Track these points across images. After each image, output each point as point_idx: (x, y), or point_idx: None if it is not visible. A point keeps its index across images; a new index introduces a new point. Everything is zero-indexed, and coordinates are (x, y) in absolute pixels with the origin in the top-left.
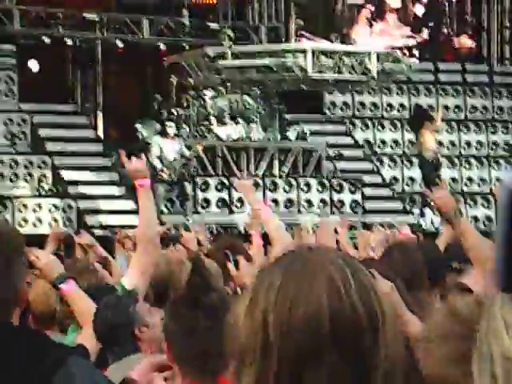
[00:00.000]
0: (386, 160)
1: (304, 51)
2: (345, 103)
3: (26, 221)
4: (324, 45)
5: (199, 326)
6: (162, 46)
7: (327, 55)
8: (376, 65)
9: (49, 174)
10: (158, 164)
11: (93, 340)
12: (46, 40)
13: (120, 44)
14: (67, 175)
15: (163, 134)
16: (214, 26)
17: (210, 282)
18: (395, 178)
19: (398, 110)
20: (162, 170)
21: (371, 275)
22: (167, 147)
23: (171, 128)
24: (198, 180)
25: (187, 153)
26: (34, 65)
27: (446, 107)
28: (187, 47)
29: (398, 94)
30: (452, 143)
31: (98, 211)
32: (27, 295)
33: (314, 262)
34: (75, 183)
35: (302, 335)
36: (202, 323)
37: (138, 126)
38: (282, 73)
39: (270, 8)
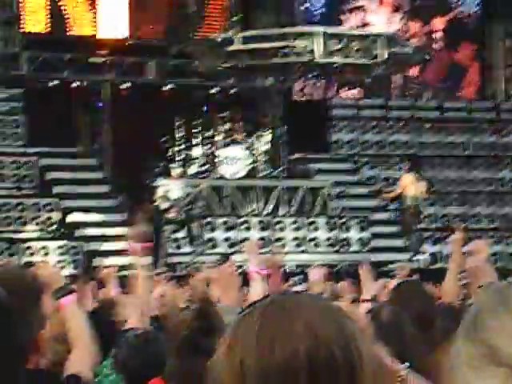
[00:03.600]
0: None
1: (312, 35)
2: (350, 141)
3: (31, 264)
4: (333, 28)
5: (198, 371)
6: (169, 87)
7: (336, 39)
8: (384, 49)
9: (56, 216)
10: (163, 204)
11: (84, 361)
12: (53, 83)
13: (126, 85)
14: (74, 217)
15: (169, 173)
16: (220, 66)
17: (213, 325)
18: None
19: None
20: (169, 210)
21: (349, 317)
22: (173, 187)
23: (177, 168)
24: (205, 220)
25: (192, 192)
26: (42, 108)
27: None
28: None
29: (403, 132)
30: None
31: (105, 252)
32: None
33: (291, 307)
34: (82, 225)
35: (279, 379)
36: (200, 368)
37: (145, 166)
38: (290, 57)
39: None
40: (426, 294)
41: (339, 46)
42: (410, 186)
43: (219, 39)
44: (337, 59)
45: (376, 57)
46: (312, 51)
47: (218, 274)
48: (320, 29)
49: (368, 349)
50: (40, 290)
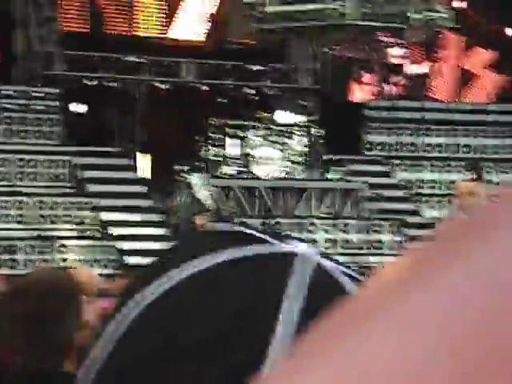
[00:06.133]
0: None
1: None
2: (384, 143)
3: (65, 261)
4: None
5: None
6: (204, 88)
7: (373, 2)
8: (415, 14)
9: (90, 215)
10: (195, 204)
11: None
12: (89, 83)
13: (162, 86)
14: (108, 216)
15: (202, 174)
16: (255, 67)
17: None
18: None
19: (439, 151)
20: (201, 212)
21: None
22: (205, 187)
23: (211, 168)
24: (237, 221)
25: (225, 192)
26: (79, 107)
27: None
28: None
29: (437, 135)
30: None
31: (138, 252)
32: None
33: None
34: (116, 224)
35: None
36: None
37: (179, 166)
38: (322, 19)
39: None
40: None
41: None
42: (470, 194)
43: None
44: (369, 22)
45: (409, 20)
46: (344, 14)
47: None
48: None
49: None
50: (77, 293)
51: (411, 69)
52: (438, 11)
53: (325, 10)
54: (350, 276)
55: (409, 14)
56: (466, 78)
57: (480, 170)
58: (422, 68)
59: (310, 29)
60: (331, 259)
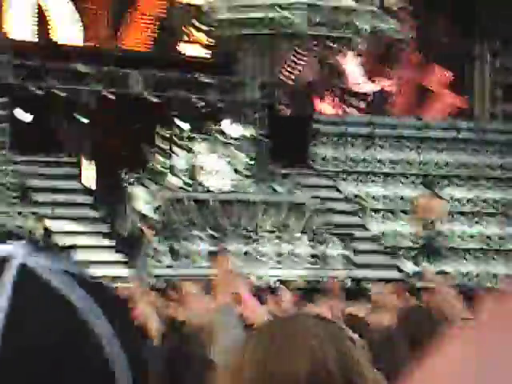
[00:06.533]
0: (374, 215)
1: (297, 7)
2: (334, 158)
3: None
4: (318, 1)
5: None
6: (152, 99)
7: (321, 11)
8: (367, 24)
9: (35, 224)
10: (141, 215)
11: None
12: (36, 91)
13: (110, 96)
14: (54, 226)
15: (149, 184)
16: (204, 79)
17: (192, 352)
18: (383, 233)
19: (388, 166)
20: (146, 221)
21: (351, 339)
22: (151, 198)
23: (158, 179)
24: (186, 233)
25: (171, 204)
26: (23, 115)
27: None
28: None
29: (384, 148)
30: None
31: (83, 263)
32: None
33: (294, 330)
34: (61, 234)
35: None
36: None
37: (125, 176)
38: (274, 28)
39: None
40: (432, 318)
41: (323, 19)
42: (429, 208)
43: (205, 8)
44: (321, 31)
45: (359, 31)
46: (296, 23)
47: (214, 272)
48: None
49: (369, 371)
50: None
51: (363, 86)
52: (386, 21)
53: (274, 18)
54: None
55: (358, 24)
56: (422, 95)
57: (434, 185)
58: (376, 85)
59: (260, 37)
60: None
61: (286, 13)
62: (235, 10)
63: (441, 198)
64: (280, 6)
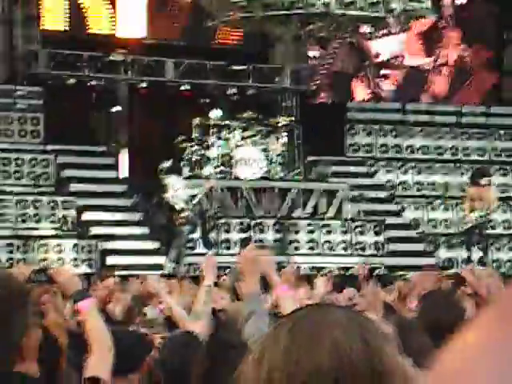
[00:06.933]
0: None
1: None
2: (368, 144)
3: (46, 260)
4: None
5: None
6: (186, 87)
7: None
8: (398, 3)
9: (71, 214)
10: (175, 203)
11: (103, 364)
12: (72, 81)
13: (144, 85)
14: (90, 216)
15: (183, 173)
16: (237, 67)
17: (229, 339)
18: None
19: (423, 152)
20: (182, 210)
21: (378, 331)
22: (185, 186)
23: (191, 168)
24: (219, 221)
25: (205, 192)
26: (61, 106)
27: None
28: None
29: (421, 136)
30: None
31: (119, 251)
32: (36, 342)
33: (318, 322)
34: (98, 223)
35: None
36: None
37: (161, 166)
38: (305, 8)
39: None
40: (454, 305)
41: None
42: (480, 197)
43: None
44: (352, 11)
45: (391, 11)
46: (327, 3)
47: (239, 260)
48: None
49: (396, 362)
50: (26, 296)
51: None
52: (419, 1)
53: None
54: None
55: (391, 4)
56: (462, 77)
57: (487, 174)
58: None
59: (293, 17)
60: None
61: None
62: None
63: (489, 185)
64: None
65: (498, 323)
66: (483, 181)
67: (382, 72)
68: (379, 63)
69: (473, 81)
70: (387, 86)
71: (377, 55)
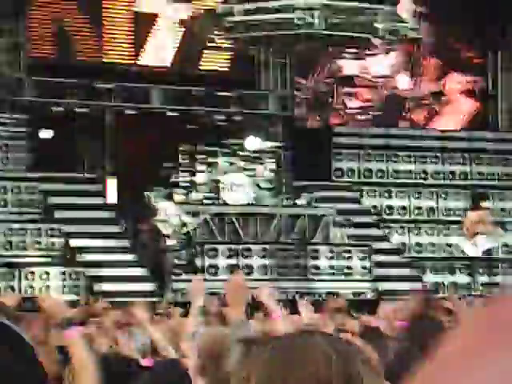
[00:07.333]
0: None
1: (312, 8)
2: (352, 170)
3: (32, 288)
4: (333, 2)
5: None
6: (171, 113)
7: (336, 12)
8: (383, 24)
9: (58, 241)
10: (164, 229)
11: None
12: (57, 109)
13: (130, 112)
14: (76, 243)
15: (171, 200)
16: (224, 93)
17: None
18: (404, 244)
19: (408, 177)
20: (168, 236)
21: (361, 356)
22: (174, 212)
23: (179, 194)
24: (206, 247)
25: (191, 219)
26: (46, 133)
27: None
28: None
29: (405, 160)
30: None
31: (107, 278)
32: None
33: (301, 347)
34: (84, 250)
35: None
36: None
37: (148, 192)
38: (290, 29)
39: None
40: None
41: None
42: (479, 223)
43: (219, 10)
44: (336, 32)
45: (376, 31)
46: (311, 24)
47: (226, 287)
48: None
49: None
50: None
51: (381, 93)
52: (402, 21)
53: (293, 20)
54: None
55: (376, 24)
56: (440, 103)
57: (484, 198)
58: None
59: (277, 38)
60: None
61: (302, 14)
62: (251, 13)
63: (485, 209)
64: (296, 7)
65: (486, 333)
66: (483, 204)
67: (355, 94)
68: (356, 85)
69: (451, 107)
70: (364, 110)
71: (356, 76)
